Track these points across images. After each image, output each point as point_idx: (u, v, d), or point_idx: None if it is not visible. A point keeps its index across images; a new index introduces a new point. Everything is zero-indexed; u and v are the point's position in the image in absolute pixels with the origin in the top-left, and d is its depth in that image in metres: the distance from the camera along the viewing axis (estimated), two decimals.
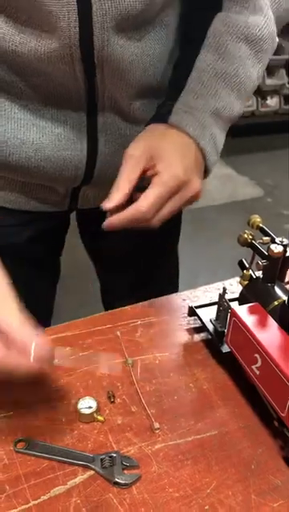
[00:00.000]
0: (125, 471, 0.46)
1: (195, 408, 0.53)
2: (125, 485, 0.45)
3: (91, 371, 0.56)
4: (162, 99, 0.63)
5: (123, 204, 0.54)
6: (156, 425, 0.50)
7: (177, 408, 0.53)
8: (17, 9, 0.50)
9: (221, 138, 0.61)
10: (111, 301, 0.89)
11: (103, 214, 0.74)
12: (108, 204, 0.53)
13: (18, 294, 0.77)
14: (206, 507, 0.44)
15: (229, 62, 0.58)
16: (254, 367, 0.49)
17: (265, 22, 0.59)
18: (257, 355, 0.48)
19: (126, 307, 0.66)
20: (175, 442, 0.49)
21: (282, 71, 3.00)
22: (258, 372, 0.49)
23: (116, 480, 0.45)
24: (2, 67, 0.54)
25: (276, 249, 0.52)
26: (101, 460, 0.46)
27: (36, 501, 0.43)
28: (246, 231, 0.57)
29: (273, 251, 0.53)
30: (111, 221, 0.55)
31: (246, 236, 0.56)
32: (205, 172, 0.60)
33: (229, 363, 0.56)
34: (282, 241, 0.55)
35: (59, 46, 0.51)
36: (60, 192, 0.68)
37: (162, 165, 0.54)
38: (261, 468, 0.47)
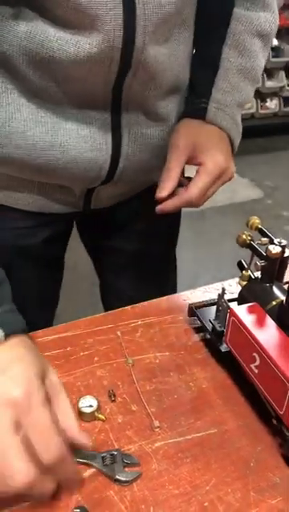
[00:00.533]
0: (126, 469, 0.46)
1: (195, 407, 0.53)
2: (126, 482, 0.45)
3: (92, 370, 0.57)
4: (182, 94, 0.68)
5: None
6: (156, 424, 0.51)
7: (177, 406, 0.53)
8: (61, 12, 0.50)
9: (240, 121, 0.70)
10: (111, 301, 0.90)
11: (107, 214, 0.75)
12: (162, 193, 0.61)
13: (30, 294, 0.78)
14: (205, 504, 0.45)
15: (248, 57, 0.66)
16: (252, 366, 0.50)
17: (273, 18, 0.67)
18: (255, 354, 0.49)
19: (126, 307, 0.67)
20: (175, 440, 0.50)
21: (282, 74, 3.01)
22: (256, 371, 0.49)
23: (117, 477, 0.45)
24: (34, 74, 0.55)
25: (274, 249, 0.53)
26: (102, 457, 0.47)
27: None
28: (245, 232, 0.58)
29: (271, 252, 0.53)
30: (166, 205, 0.62)
31: (244, 237, 0.57)
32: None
33: (229, 363, 0.56)
34: (280, 242, 0.55)
35: (100, 50, 0.52)
36: (76, 193, 0.69)
37: (205, 156, 0.62)
38: (260, 465, 0.48)
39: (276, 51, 2.92)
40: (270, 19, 0.66)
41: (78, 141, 0.60)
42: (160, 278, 0.89)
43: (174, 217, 0.88)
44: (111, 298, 0.91)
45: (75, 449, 0.38)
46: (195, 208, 0.65)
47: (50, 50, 0.52)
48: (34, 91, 0.57)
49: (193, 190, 0.61)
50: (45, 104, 0.58)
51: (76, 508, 0.43)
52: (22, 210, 0.69)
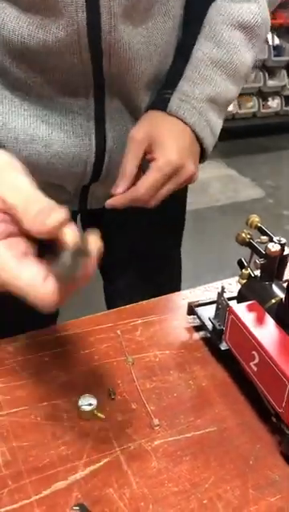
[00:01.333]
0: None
1: (194, 405, 0.54)
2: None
3: (92, 369, 0.57)
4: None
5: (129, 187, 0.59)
6: (156, 422, 0.51)
7: (177, 404, 0.53)
8: (23, 2, 0.51)
9: (217, 122, 0.65)
10: (113, 300, 0.90)
11: (107, 213, 0.75)
12: (116, 190, 0.59)
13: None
14: (205, 501, 0.45)
15: (225, 49, 0.61)
16: (251, 364, 0.50)
17: (258, 9, 0.62)
18: (254, 353, 0.49)
19: (127, 306, 0.67)
20: (174, 438, 0.50)
21: (284, 72, 3.01)
22: (255, 369, 0.49)
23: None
24: (11, 65, 0.55)
25: (273, 248, 0.53)
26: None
27: (37, 496, 0.44)
28: (244, 230, 0.58)
29: (270, 250, 0.53)
30: (114, 201, 0.60)
31: (243, 235, 0.57)
32: (203, 157, 0.65)
33: (228, 361, 0.57)
34: (279, 240, 0.56)
35: (66, 35, 0.52)
36: (69, 190, 0.69)
37: (159, 151, 0.58)
38: (259, 463, 0.48)
39: (278, 50, 2.92)
40: (254, 10, 0.61)
41: (60, 136, 0.60)
42: (162, 277, 0.89)
43: (177, 216, 0.89)
44: (114, 298, 0.91)
45: None
46: (147, 206, 0.61)
47: (22, 37, 0.52)
48: (15, 83, 0.57)
49: (140, 188, 0.58)
50: (27, 97, 0.58)
51: (75, 506, 0.43)
52: None
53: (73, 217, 0.79)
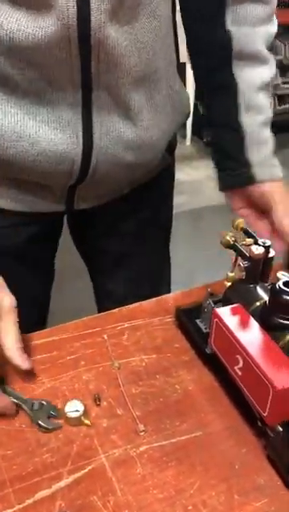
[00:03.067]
0: (50, 419, 0.51)
1: (180, 410, 0.53)
2: (46, 429, 0.50)
3: (78, 374, 0.57)
4: (151, 86, 0.66)
5: None
6: (141, 427, 0.51)
7: (163, 409, 0.53)
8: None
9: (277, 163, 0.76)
10: (104, 302, 0.89)
11: (96, 214, 0.75)
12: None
13: (16, 296, 0.78)
14: (189, 507, 0.44)
15: (259, 111, 0.71)
16: (236, 367, 0.49)
17: (270, 68, 0.71)
18: (238, 356, 0.49)
19: (113, 310, 0.66)
20: (159, 444, 0.50)
21: (277, 72, 3.01)
22: (240, 373, 0.49)
23: (39, 423, 0.50)
24: None
25: (257, 250, 0.53)
26: (32, 404, 0.52)
27: (21, 505, 0.44)
28: (229, 233, 0.58)
29: (254, 253, 0.53)
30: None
31: (228, 238, 0.57)
32: None
33: (215, 365, 0.56)
34: (264, 243, 0.55)
35: (56, 29, 0.52)
36: (56, 191, 0.68)
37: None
38: (245, 468, 0.48)
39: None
40: (268, 71, 0.71)
41: (48, 134, 0.60)
42: (152, 278, 0.89)
43: (164, 217, 0.88)
44: (104, 300, 0.90)
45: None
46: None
47: (10, 32, 0.52)
48: (2, 79, 0.57)
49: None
50: (14, 94, 0.58)
51: None
52: (1, 209, 0.68)
53: (59, 218, 0.79)
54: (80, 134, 0.61)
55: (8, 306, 0.54)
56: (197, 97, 0.82)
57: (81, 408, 0.52)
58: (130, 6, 0.55)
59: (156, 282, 0.90)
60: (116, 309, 0.67)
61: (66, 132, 0.60)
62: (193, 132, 3.12)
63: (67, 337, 0.62)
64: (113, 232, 0.82)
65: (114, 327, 0.63)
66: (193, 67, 0.74)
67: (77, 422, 0.51)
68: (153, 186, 0.79)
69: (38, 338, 0.61)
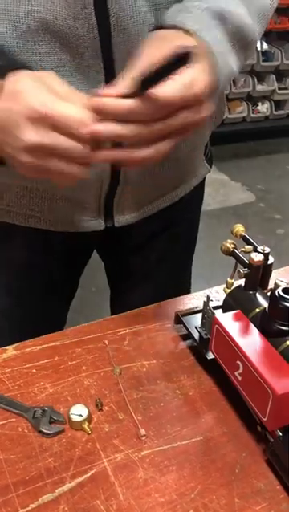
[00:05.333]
0: (52, 424, 0.51)
1: (181, 415, 0.54)
2: (48, 434, 0.51)
3: (79, 379, 0.57)
4: None
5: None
6: (143, 432, 0.51)
7: (163, 414, 0.54)
8: None
9: (229, 49, 0.53)
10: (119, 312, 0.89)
11: (129, 230, 0.70)
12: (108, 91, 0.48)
13: (37, 318, 0.75)
14: (191, 511, 0.45)
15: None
16: (236, 373, 0.50)
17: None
18: (239, 362, 0.49)
19: (114, 316, 0.67)
20: (161, 448, 0.50)
21: (273, 77, 3.03)
22: (240, 378, 0.50)
23: (41, 429, 0.51)
24: (19, 44, 0.54)
25: (256, 257, 0.54)
26: (34, 411, 0.52)
27: (25, 510, 0.45)
28: (229, 240, 0.59)
29: (253, 260, 0.54)
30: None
31: (228, 245, 0.58)
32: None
33: (215, 370, 0.57)
34: (263, 250, 0.56)
35: (73, 10, 0.51)
36: (90, 203, 0.67)
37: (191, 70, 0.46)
38: (244, 472, 0.49)
39: (266, 55, 2.94)
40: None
41: None
42: (174, 292, 0.87)
43: (193, 235, 0.87)
44: (121, 311, 0.89)
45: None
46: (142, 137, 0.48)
47: (51, 13, 0.52)
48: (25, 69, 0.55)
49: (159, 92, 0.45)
50: None
51: None
52: (33, 228, 0.68)
53: (92, 239, 0.74)
54: None
55: (66, 90, 0.48)
56: None
57: (85, 413, 0.52)
58: None
59: (177, 294, 0.89)
60: (117, 315, 0.67)
61: None
62: None
63: (69, 342, 0.62)
64: (144, 248, 0.80)
65: (115, 333, 0.64)
66: None
67: (79, 426, 0.52)
68: (187, 202, 0.77)
69: (40, 343, 0.62)
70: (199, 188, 0.80)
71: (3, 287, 0.76)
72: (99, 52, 0.55)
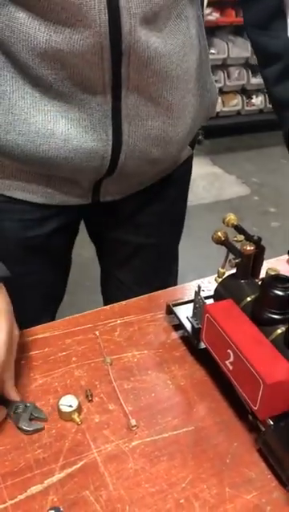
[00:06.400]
0: (32, 421, 0.50)
1: (172, 405, 0.54)
2: (27, 431, 0.50)
3: (70, 370, 0.57)
4: (186, 86, 0.66)
5: None
6: (133, 422, 0.51)
7: (154, 404, 0.53)
8: (49, 6, 0.52)
9: None
10: (111, 292, 0.90)
11: (116, 206, 0.75)
12: None
13: (34, 290, 0.76)
14: (181, 501, 0.45)
15: None
16: (227, 362, 0.50)
17: None
18: (229, 351, 0.49)
19: (105, 307, 0.67)
20: (152, 439, 0.50)
21: None
22: (231, 367, 0.49)
23: (20, 426, 0.50)
24: (34, 62, 0.57)
25: (247, 246, 0.53)
26: (15, 406, 0.51)
27: (13, 501, 0.44)
28: (221, 230, 0.58)
29: (245, 249, 0.53)
30: None
31: (219, 234, 0.57)
32: None
33: (207, 360, 0.57)
34: (254, 239, 0.56)
35: (89, 37, 0.54)
36: (84, 186, 0.70)
37: None
38: (236, 461, 0.48)
39: None
40: None
41: (79, 131, 0.61)
42: (162, 271, 0.90)
43: (180, 211, 0.89)
44: (112, 289, 0.91)
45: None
46: None
47: (48, 34, 0.54)
48: (36, 79, 0.58)
49: None
50: (47, 93, 0.59)
51: (51, 509, 0.43)
52: (29, 202, 0.70)
53: (83, 210, 0.78)
54: (110, 132, 0.63)
55: (16, 338, 0.54)
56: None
57: (75, 403, 0.52)
58: (158, 9, 0.57)
59: (166, 275, 0.91)
60: (108, 306, 0.67)
61: (96, 129, 0.62)
62: None
63: (59, 334, 0.62)
64: (131, 223, 0.82)
65: (106, 324, 0.63)
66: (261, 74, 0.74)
67: (69, 417, 0.51)
68: (173, 179, 0.80)
69: (30, 335, 0.61)
70: (184, 165, 0.82)
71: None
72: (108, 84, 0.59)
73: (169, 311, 0.63)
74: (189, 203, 0.91)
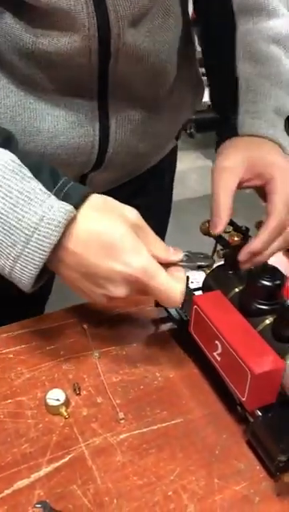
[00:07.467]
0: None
1: (161, 397, 0.53)
2: (206, 266, 0.51)
3: (57, 364, 0.56)
4: (172, 80, 0.64)
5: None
6: (121, 415, 0.50)
7: (143, 397, 0.53)
8: (36, 9, 0.51)
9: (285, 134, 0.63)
10: None
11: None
12: (219, 228, 0.55)
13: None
14: (170, 493, 0.44)
15: (268, 64, 0.63)
16: (215, 353, 0.49)
17: (283, 20, 0.64)
18: (217, 342, 0.49)
19: None
20: (140, 431, 0.50)
21: None
22: (219, 359, 0.49)
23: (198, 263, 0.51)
24: (20, 61, 0.56)
25: (235, 237, 0.53)
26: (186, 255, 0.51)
27: None
28: (208, 221, 0.57)
29: (232, 239, 0.53)
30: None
31: (207, 225, 0.57)
32: None
33: (195, 352, 0.56)
34: (242, 230, 0.55)
35: (78, 41, 0.53)
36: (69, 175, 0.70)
37: (272, 170, 0.55)
38: (225, 453, 0.48)
39: None
40: (281, 23, 0.64)
41: (66, 127, 0.61)
42: None
43: (165, 203, 0.89)
44: None
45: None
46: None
47: (34, 35, 0.53)
48: (21, 78, 0.57)
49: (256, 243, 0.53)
50: (33, 92, 0.59)
51: (38, 503, 0.42)
52: None
53: None
54: (97, 127, 0.62)
55: (135, 218, 0.49)
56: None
57: (62, 397, 0.51)
58: (146, 10, 0.55)
59: None
60: None
61: (83, 125, 0.61)
62: None
63: (47, 328, 0.61)
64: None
65: (94, 317, 0.63)
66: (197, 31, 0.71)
67: (56, 411, 0.51)
68: (158, 171, 0.79)
69: (17, 328, 0.60)
70: (169, 156, 0.81)
71: None
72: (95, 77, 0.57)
73: (158, 304, 0.63)
74: (180, 196, 0.92)
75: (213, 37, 0.68)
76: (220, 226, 0.54)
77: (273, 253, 0.53)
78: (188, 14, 0.68)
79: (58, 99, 0.60)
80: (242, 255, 0.53)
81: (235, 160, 0.57)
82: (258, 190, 0.60)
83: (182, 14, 0.64)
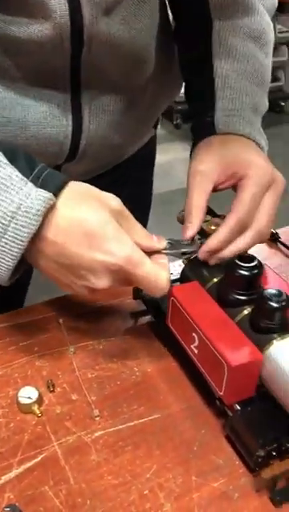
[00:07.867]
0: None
1: (138, 392, 0.51)
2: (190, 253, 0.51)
3: (31, 360, 0.54)
4: (148, 66, 0.63)
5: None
6: (96, 412, 0.49)
7: (120, 393, 0.51)
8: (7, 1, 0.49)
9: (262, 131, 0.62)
10: None
11: None
12: (189, 233, 0.52)
13: None
14: (146, 492, 0.43)
15: (245, 61, 0.61)
16: (192, 346, 0.48)
17: (259, 17, 0.63)
18: (194, 334, 0.47)
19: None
20: (116, 428, 0.48)
21: None
22: (196, 351, 0.47)
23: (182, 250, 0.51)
24: None
25: (212, 226, 0.51)
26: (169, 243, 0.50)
27: None
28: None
29: (210, 228, 0.51)
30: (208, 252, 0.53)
31: (184, 213, 0.55)
32: None
33: (174, 345, 0.54)
34: (220, 218, 0.53)
35: (49, 28, 0.51)
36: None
37: (244, 170, 0.53)
38: (203, 449, 0.47)
39: None
40: (256, 20, 0.62)
41: (37, 117, 0.58)
42: None
43: (145, 194, 0.88)
44: None
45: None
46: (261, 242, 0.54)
47: (3, 21, 0.50)
48: None
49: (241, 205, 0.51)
50: (2, 80, 0.56)
51: (7, 507, 0.41)
52: None
53: None
54: (70, 117, 0.60)
55: (117, 205, 0.47)
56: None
57: (34, 395, 0.49)
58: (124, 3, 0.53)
59: None
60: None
61: (55, 115, 0.59)
62: (163, 115, 3.08)
63: (21, 322, 0.59)
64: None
65: (70, 311, 0.61)
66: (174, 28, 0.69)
67: (28, 409, 0.49)
68: (136, 161, 0.77)
69: None
70: (147, 146, 0.80)
71: None
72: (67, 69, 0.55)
73: (136, 296, 0.61)
74: (168, 188, 0.90)
75: (189, 33, 0.66)
76: (190, 231, 0.52)
77: (239, 251, 0.51)
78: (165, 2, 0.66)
79: (28, 89, 0.57)
80: (200, 254, 0.51)
81: (209, 164, 0.55)
82: (235, 189, 0.58)
83: (159, 3, 0.62)
